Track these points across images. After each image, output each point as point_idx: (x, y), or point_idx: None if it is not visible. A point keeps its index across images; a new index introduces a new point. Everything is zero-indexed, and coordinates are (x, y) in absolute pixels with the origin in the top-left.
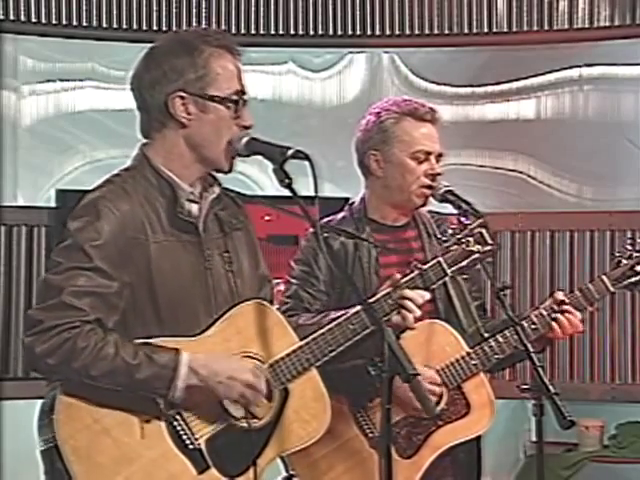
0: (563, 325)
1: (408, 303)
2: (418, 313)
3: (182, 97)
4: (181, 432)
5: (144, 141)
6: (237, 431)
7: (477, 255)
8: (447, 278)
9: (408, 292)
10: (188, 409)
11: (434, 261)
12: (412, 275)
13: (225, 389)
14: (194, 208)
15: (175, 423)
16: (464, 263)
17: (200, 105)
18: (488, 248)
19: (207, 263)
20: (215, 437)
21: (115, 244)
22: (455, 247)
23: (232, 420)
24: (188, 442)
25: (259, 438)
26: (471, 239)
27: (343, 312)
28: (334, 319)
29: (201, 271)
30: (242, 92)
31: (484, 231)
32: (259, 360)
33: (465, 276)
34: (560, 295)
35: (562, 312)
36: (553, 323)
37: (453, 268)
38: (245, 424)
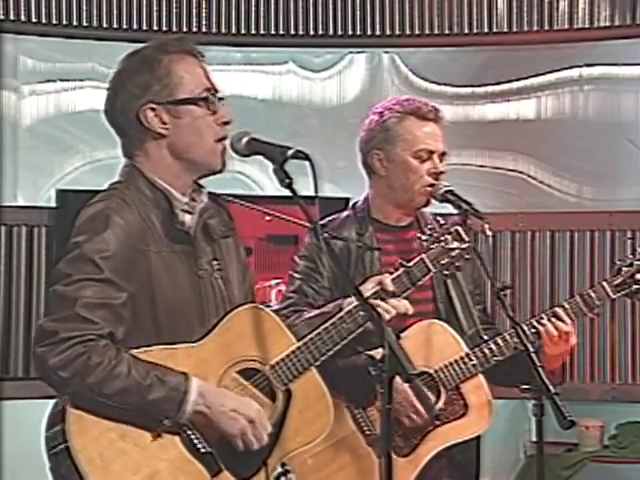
0: (549, 331)
1: (391, 300)
2: (393, 312)
3: (153, 109)
4: (192, 436)
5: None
6: None
7: (457, 252)
8: (433, 274)
9: (389, 301)
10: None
11: (418, 259)
12: (398, 273)
13: (228, 421)
14: (187, 218)
15: (185, 428)
16: (445, 260)
17: (173, 112)
18: (465, 245)
19: (200, 272)
20: (225, 441)
21: (122, 255)
22: (435, 245)
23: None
24: (200, 446)
25: (267, 439)
26: (449, 237)
27: (317, 312)
28: (309, 318)
29: (194, 280)
30: (212, 89)
31: (460, 229)
32: (259, 362)
33: (447, 272)
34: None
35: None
36: (540, 327)
37: (437, 265)
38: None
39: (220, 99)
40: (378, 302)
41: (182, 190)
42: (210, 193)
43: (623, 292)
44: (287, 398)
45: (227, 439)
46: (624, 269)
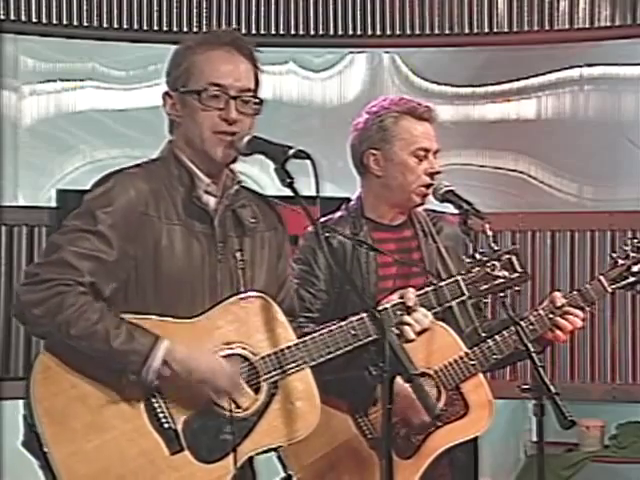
0: (563, 327)
1: (410, 319)
2: (418, 328)
3: (170, 96)
4: (158, 409)
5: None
6: (217, 418)
7: (502, 281)
8: (466, 299)
9: (415, 314)
10: (165, 394)
11: (451, 279)
12: (425, 290)
13: (195, 390)
14: (211, 200)
15: (153, 400)
16: (485, 287)
17: (183, 101)
18: (516, 275)
19: (219, 256)
20: (193, 421)
21: (125, 216)
22: (477, 269)
23: (220, 410)
24: (164, 421)
25: (240, 428)
26: (497, 264)
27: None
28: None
29: (211, 263)
30: (223, 86)
31: (514, 258)
32: (250, 352)
33: (485, 300)
34: (558, 296)
35: (562, 314)
36: (558, 321)
37: (473, 290)
38: (226, 412)
39: (257, 99)
40: (405, 318)
41: (206, 173)
42: (247, 189)
43: (620, 285)
44: (272, 393)
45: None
46: (620, 261)
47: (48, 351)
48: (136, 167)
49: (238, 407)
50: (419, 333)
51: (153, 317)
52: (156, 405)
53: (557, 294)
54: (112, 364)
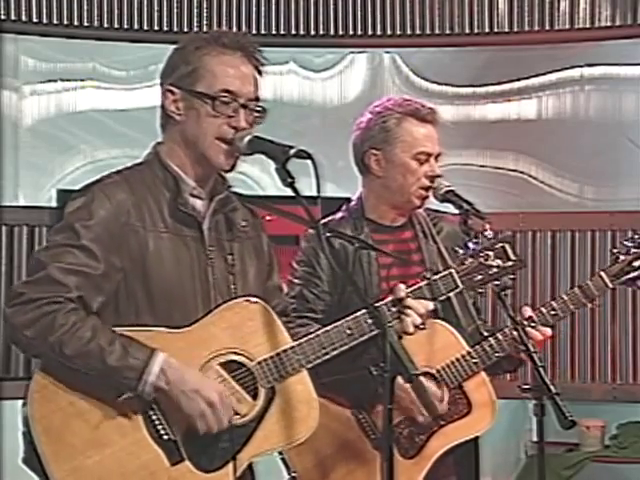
0: (535, 337)
1: (409, 311)
2: (418, 321)
3: (172, 92)
4: (156, 421)
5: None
6: None
7: (496, 270)
8: (461, 290)
9: (410, 301)
10: (162, 406)
11: (445, 272)
12: (419, 285)
13: (187, 401)
14: (198, 204)
15: (151, 412)
16: (479, 277)
17: (188, 101)
18: (510, 264)
19: (209, 261)
20: (192, 430)
21: (107, 228)
22: (471, 260)
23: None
24: (163, 432)
25: (240, 435)
26: (491, 253)
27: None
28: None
29: (202, 268)
30: (233, 93)
31: (507, 246)
32: (246, 357)
33: (481, 290)
34: (527, 309)
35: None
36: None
37: (467, 282)
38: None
39: (259, 107)
40: (407, 312)
41: (194, 177)
42: (235, 192)
43: (621, 280)
44: (270, 397)
45: (192, 424)
46: (621, 257)
47: (43, 370)
48: (117, 174)
49: (236, 413)
50: (421, 327)
51: (151, 328)
52: (154, 417)
53: (526, 307)
54: (108, 381)
